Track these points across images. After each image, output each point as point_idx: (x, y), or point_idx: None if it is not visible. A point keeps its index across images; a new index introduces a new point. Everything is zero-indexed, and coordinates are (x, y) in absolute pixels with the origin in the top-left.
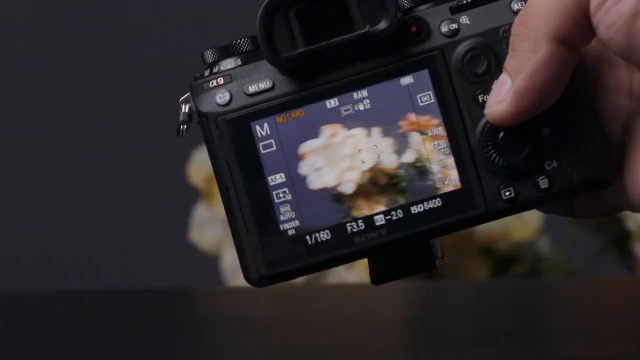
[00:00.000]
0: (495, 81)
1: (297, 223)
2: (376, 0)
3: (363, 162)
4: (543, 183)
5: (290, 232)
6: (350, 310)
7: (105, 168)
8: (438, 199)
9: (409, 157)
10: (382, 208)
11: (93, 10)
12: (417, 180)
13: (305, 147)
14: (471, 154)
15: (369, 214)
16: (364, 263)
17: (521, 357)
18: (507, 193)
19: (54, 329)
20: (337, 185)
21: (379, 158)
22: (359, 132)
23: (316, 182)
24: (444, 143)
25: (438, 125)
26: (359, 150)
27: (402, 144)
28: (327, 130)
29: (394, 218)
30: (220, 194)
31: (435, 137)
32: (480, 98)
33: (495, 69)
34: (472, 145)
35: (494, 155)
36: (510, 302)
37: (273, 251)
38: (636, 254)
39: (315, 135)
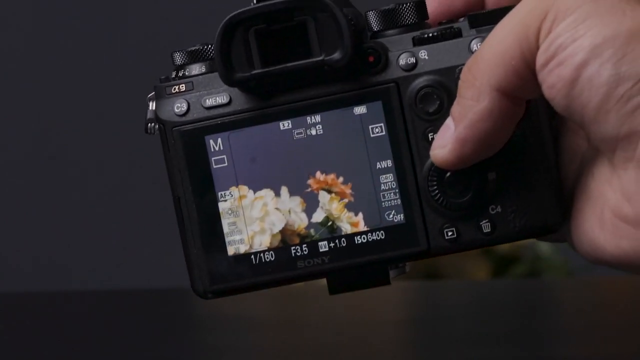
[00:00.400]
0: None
1: (242, 241)
2: (334, 30)
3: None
4: (486, 227)
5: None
6: (350, 310)
7: (105, 168)
8: (382, 232)
9: (319, 216)
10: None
11: (93, 10)
12: (328, 238)
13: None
14: (417, 191)
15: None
16: None
17: (521, 357)
18: (450, 233)
19: (54, 329)
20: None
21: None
22: (266, 193)
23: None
24: (391, 177)
25: (387, 158)
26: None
27: (311, 204)
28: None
29: (338, 246)
30: (173, 202)
31: (340, 193)
32: (430, 136)
33: (447, 108)
34: (419, 182)
35: (439, 195)
36: (510, 302)
37: (217, 267)
38: None
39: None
